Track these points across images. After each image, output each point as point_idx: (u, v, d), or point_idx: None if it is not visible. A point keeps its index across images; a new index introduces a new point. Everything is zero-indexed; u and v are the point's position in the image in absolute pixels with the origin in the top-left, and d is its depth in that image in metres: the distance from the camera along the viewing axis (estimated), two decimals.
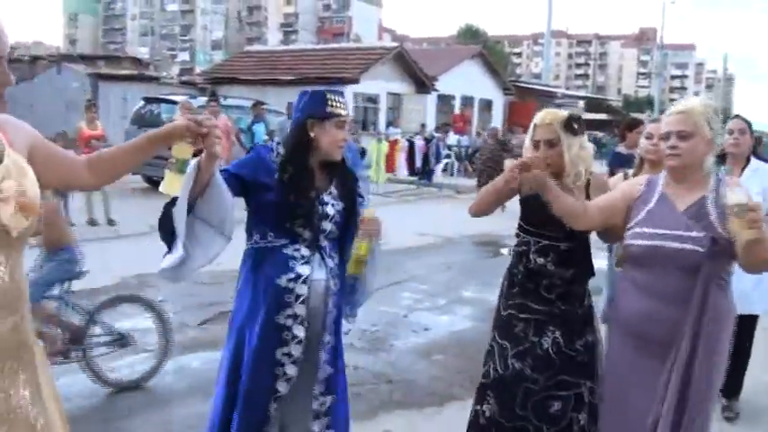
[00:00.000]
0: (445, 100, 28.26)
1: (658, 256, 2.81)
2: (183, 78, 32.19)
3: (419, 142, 21.31)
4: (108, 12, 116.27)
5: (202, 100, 15.36)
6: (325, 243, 3.00)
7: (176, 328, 5.52)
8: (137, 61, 40.10)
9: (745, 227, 2.57)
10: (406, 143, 21.05)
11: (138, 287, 7.03)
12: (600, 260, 3.64)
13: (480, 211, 3.47)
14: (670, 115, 2.94)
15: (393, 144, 20.07)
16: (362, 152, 21.14)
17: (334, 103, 2.94)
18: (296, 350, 2.92)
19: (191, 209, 2.57)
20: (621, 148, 6.81)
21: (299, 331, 2.91)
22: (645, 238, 2.85)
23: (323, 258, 2.98)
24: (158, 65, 48.11)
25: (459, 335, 6.48)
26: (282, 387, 2.92)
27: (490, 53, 38.59)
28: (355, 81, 23.98)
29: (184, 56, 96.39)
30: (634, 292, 2.91)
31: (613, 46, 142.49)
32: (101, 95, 24.91)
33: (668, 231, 2.81)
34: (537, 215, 3.33)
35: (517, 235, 3.51)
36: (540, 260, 3.35)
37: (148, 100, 17.51)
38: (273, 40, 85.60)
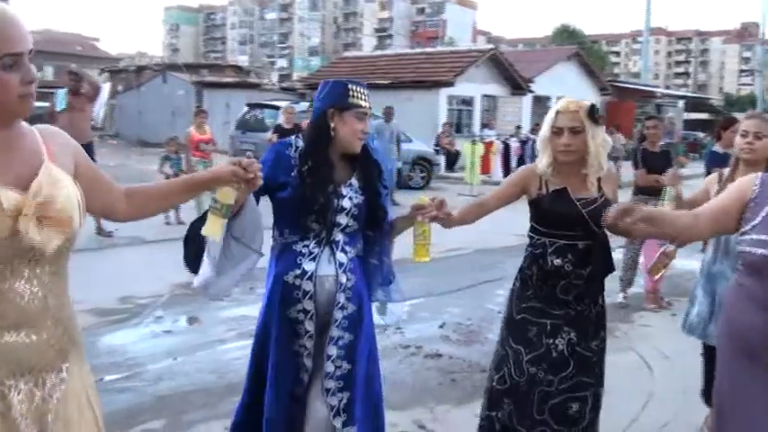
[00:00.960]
0: (541, 101, 28.11)
1: None
2: (284, 84, 33.10)
3: (514, 144, 21.32)
4: (208, 22, 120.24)
5: (304, 105, 15.90)
6: (339, 237, 2.93)
7: None
8: (238, 69, 41.47)
9: None
10: (501, 145, 21.08)
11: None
12: (692, 261, 3.62)
13: (465, 222, 3.33)
14: (750, 118, 2.98)
15: (488, 146, 20.13)
16: (456, 155, 21.36)
17: (356, 94, 2.90)
18: (309, 343, 2.91)
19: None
20: (718, 148, 6.81)
21: (310, 326, 2.90)
22: (762, 246, 2.50)
23: (333, 253, 2.91)
24: (259, 72, 49.52)
25: None
26: (304, 377, 2.92)
27: (587, 53, 38.04)
28: (450, 84, 24.23)
29: (283, 62, 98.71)
30: (750, 304, 2.57)
31: (714, 42, 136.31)
32: (205, 102, 25.91)
33: None
34: (550, 216, 3.25)
35: (530, 237, 3.38)
36: (558, 261, 3.22)
37: (252, 106, 18.21)
38: (368, 45, 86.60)
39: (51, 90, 11.47)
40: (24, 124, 1.90)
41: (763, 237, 2.49)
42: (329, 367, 2.91)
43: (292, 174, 2.86)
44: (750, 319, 2.54)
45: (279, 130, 12.93)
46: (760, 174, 2.68)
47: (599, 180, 3.26)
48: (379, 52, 41.56)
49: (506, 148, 21.13)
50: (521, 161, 20.62)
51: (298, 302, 2.88)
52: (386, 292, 3.15)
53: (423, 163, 18.18)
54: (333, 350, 2.91)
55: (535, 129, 24.90)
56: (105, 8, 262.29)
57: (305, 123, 12.97)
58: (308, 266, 2.87)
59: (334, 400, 2.92)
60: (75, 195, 1.85)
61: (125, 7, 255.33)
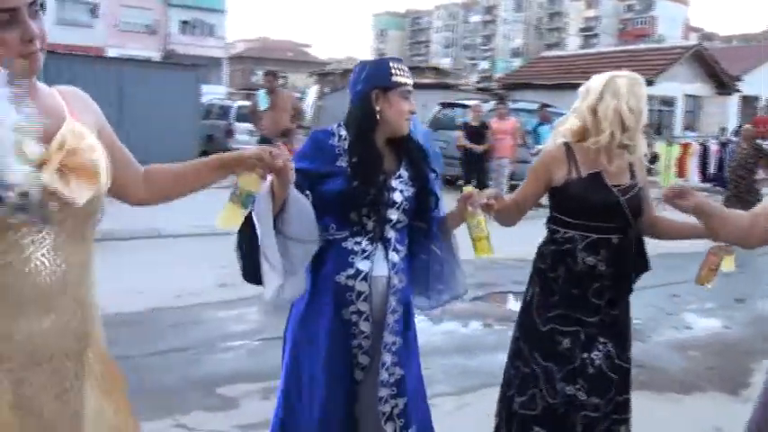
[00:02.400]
0: (749, 101, 26.47)
1: None
2: (480, 85, 33.47)
3: (713, 146, 20.31)
4: (414, 26, 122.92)
5: (492, 104, 16.17)
6: (390, 234, 2.71)
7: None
8: (437, 71, 42.30)
9: None
10: (699, 147, 20.16)
11: None
12: None
13: (504, 223, 3.04)
14: None
15: (685, 147, 19.34)
16: (654, 157, 20.63)
17: (398, 72, 2.68)
18: (366, 343, 2.71)
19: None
20: None
21: (366, 327, 2.70)
22: None
23: (386, 252, 2.70)
24: (458, 74, 50.21)
25: (719, 336, 6.45)
26: (359, 375, 2.73)
27: None
28: (650, 83, 23.44)
29: (485, 65, 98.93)
30: None
31: None
32: None
33: None
34: (582, 204, 2.88)
35: (554, 230, 2.97)
36: (590, 259, 2.85)
37: (444, 105, 18.72)
38: (573, 45, 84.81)
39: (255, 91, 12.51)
40: (43, 85, 1.77)
41: None
42: (383, 375, 2.70)
43: (337, 164, 2.65)
44: None
45: (467, 128, 13.38)
46: None
47: (630, 165, 2.96)
48: (579, 51, 40.81)
49: (704, 150, 20.19)
50: (720, 164, 19.64)
51: (351, 304, 2.68)
52: (434, 292, 2.94)
53: None
54: (387, 357, 2.71)
55: (738, 131, 23.57)
56: (318, 16, 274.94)
57: (492, 122, 13.39)
58: (362, 266, 2.66)
59: (387, 407, 2.71)
60: (101, 150, 1.71)
61: (336, 15, 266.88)
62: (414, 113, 2.72)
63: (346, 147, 2.68)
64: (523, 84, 26.60)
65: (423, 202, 2.78)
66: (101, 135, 1.82)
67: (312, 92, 35.04)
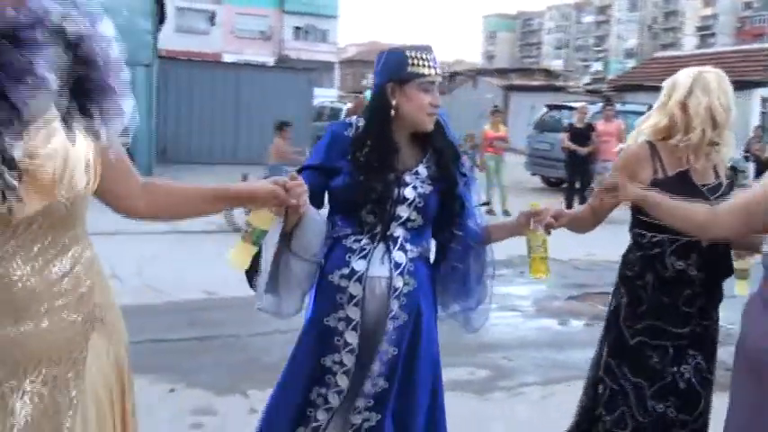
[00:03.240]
0: None
1: None
2: (589, 87, 33.01)
3: None
4: (525, 28, 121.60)
5: (600, 105, 16.01)
6: (398, 233, 2.50)
7: (545, 298, 6.92)
8: (547, 73, 41.90)
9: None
10: None
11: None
12: None
13: (578, 231, 2.92)
14: None
15: None
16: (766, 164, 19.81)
17: (417, 61, 2.46)
18: (348, 359, 2.47)
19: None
20: None
21: (352, 338, 2.46)
22: None
23: (388, 251, 2.48)
24: (569, 76, 49.56)
25: None
26: (334, 400, 2.48)
27: None
28: (764, 84, 22.55)
29: (597, 66, 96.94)
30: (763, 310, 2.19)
31: None
32: (511, 105, 26.85)
33: None
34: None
35: (640, 235, 2.79)
36: (680, 264, 2.68)
37: (551, 107, 18.62)
38: (689, 45, 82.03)
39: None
40: None
41: None
42: (366, 385, 2.48)
43: (348, 157, 2.50)
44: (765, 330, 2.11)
45: (572, 130, 13.32)
46: None
47: (714, 164, 2.82)
48: (693, 52, 39.57)
49: None
50: None
51: (339, 308, 2.46)
52: (464, 305, 2.71)
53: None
54: (376, 366, 2.48)
55: None
56: (428, 19, 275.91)
57: (598, 124, 13.28)
58: (358, 265, 2.46)
59: (358, 419, 2.49)
60: (81, 151, 1.56)
61: (446, 17, 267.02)
62: (436, 107, 2.51)
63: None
64: (635, 85, 26.05)
65: (447, 206, 2.57)
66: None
67: None
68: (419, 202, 2.51)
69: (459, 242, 2.64)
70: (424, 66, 2.46)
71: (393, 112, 2.49)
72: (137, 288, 6.16)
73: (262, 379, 4.26)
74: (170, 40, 30.95)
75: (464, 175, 2.63)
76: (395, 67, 2.49)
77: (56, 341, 1.59)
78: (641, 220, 2.77)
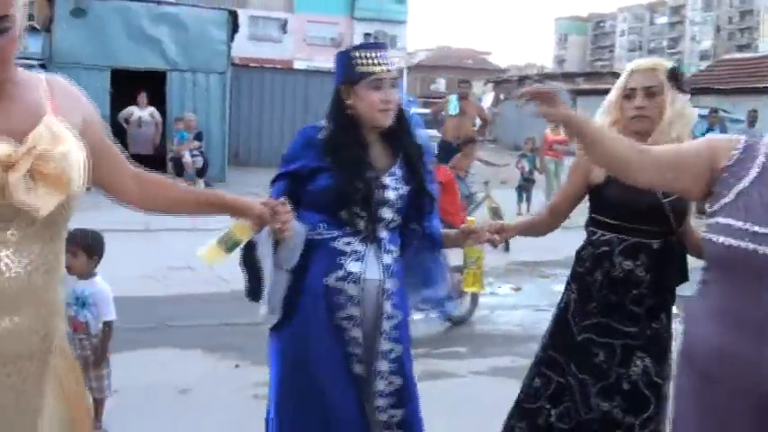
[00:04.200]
0: None
1: (751, 264, 1.81)
2: None
3: None
4: (597, 30, 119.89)
5: None
6: (383, 234, 2.58)
7: None
8: (617, 76, 41.47)
9: None
10: None
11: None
12: None
13: (536, 236, 3.04)
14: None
15: None
16: None
17: (363, 60, 2.49)
18: (357, 350, 2.58)
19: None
20: None
21: (357, 333, 2.56)
22: (730, 235, 1.85)
23: (378, 254, 2.56)
24: None
25: None
26: (352, 389, 2.58)
27: None
28: None
29: None
30: (712, 317, 1.93)
31: None
32: (578, 109, 26.69)
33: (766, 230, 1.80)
34: (620, 206, 2.65)
35: (591, 232, 2.78)
36: (628, 264, 2.64)
37: None
38: (765, 46, 79.67)
39: (439, 99, 13.17)
40: (31, 74, 1.73)
41: (730, 221, 1.87)
42: (380, 385, 2.58)
43: (324, 159, 2.54)
44: (714, 338, 1.91)
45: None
46: (743, 137, 2.02)
47: None
48: (761, 54, 38.59)
49: None
50: None
51: (341, 308, 2.54)
52: (432, 297, 2.84)
53: None
54: (383, 365, 2.58)
55: None
56: (499, 23, 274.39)
57: None
58: (353, 267, 2.52)
59: (384, 416, 2.60)
60: (77, 154, 1.63)
61: (517, 21, 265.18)
62: (388, 102, 2.52)
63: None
64: (703, 88, 25.73)
65: (418, 203, 2.67)
66: (86, 131, 1.75)
67: (487, 99, 35.53)
68: (399, 204, 2.61)
69: (424, 237, 2.76)
70: (370, 64, 2.49)
71: (351, 112, 2.56)
72: (208, 279, 6.63)
73: None
74: (244, 48, 31.85)
75: (429, 172, 2.72)
76: (344, 69, 2.56)
77: (33, 337, 1.64)
78: (594, 218, 2.79)
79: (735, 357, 1.85)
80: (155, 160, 12.56)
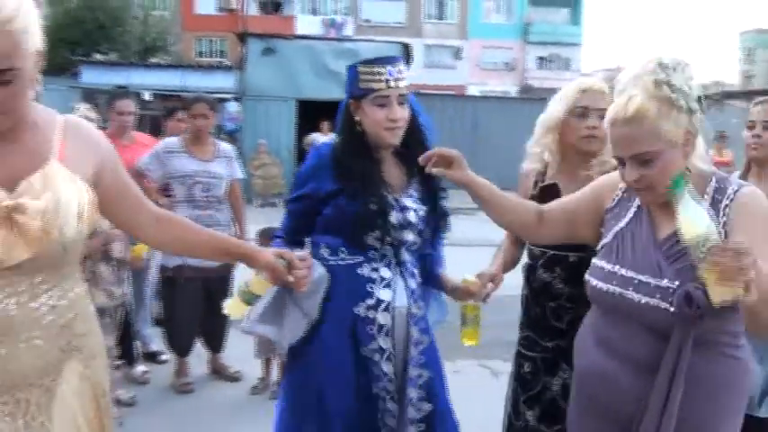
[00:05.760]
0: None
1: (619, 307, 1.89)
2: None
3: None
4: None
5: None
6: (406, 258, 2.48)
7: None
8: None
9: (716, 276, 1.55)
10: None
11: None
12: None
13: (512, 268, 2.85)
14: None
15: None
16: None
17: (368, 76, 2.38)
18: (390, 386, 2.45)
19: None
20: None
21: (388, 367, 2.43)
22: (601, 278, 1.93)
23: (405, 279, 2.46)
24: None
25: None
26: (391, 422, 2.47)
27: None
28: None
29: None
30: (592, 341, 2.01)
31: None
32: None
33: (633, 274, 1.87)
34: None
35: (528, 248, 2.76)
36: (546, 276, 2.65)
37: None
38: None
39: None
40: (51, 114, 1.73)
41: (603, 264, 1.95)
42: (411, 413, 2.46)
43: (337, 180, 2.44)
44: (590, 358, 1.99)
45: None
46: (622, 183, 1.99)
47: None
48: None
49: None
50: None
51: (372, 339, 2.42)
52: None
53: None
54: (413, 392, 2.46)
55: None
56: (680, 39, 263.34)
57: None
58: (384, 295, 2.41)
59: None
60: (73, 202, 1.62)
61: (699, 37, 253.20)
62: (394, 121, 2.41)
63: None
64: None
65: (435, 225, 2.59)
66: (103, 175, 1.77)
67: None
68: (421, 226, 2.50)
69: (430, 262, 2.67)
70: (375, 80, 2.39)
71: (360, 128, 2.45)
72: None
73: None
74: (419, 75, 33.21)
75: (443, 189, 2.60)
76: (350, 84, 2.46)
77: (28, 368, 1.63)
78: None
79: (611, 383, 1.90)
80: None
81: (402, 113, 2.43)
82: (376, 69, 2.39)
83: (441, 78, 39.75)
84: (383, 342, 2.43)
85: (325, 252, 2.48)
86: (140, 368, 4.97)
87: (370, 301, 2.42)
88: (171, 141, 4.85)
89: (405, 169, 2.53)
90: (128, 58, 27.55)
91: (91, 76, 23.61)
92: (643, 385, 1.81)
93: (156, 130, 8.03)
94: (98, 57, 26.18)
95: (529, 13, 46.30)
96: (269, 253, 2.08)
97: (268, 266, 2.05)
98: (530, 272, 2.74)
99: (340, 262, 2.45)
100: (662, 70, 1.77)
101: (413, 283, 2.49)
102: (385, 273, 2.44)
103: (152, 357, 5.29)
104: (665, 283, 1.78)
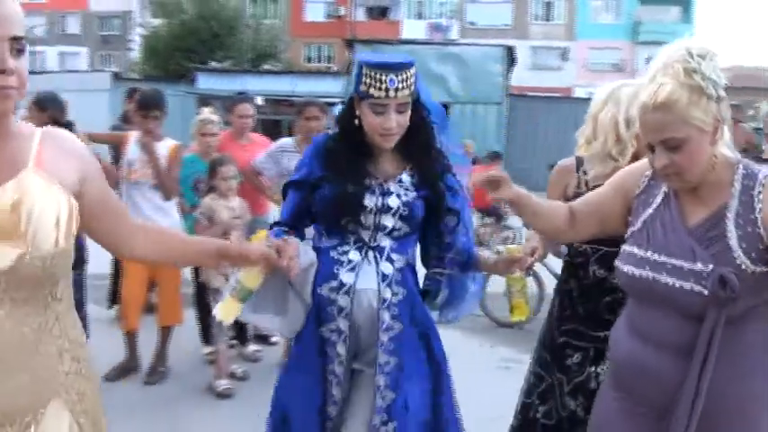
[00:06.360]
0: None
1: (652, 292, 1.91)
2: None
3: None
4: None
5: None
6: (385, 242, 2.44)
7: None
8: None
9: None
10: None
11: None
12: None
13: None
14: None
15: None
16: None
17: (369, 80, 2.33)
18: (339, 370, 2.44)
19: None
20: None
21: (342, 349, 2.43)
22: (633, 264, 1.96)
23: (376, 262, 2.43)
24: None
25: None
26: (333, 410, 2.45)
27: None
28: None
29: None
30: (627, 328, 2.04)
31: None
32: None
33: (666, 259, 1.89)
34: None
35: (569, 245, 2.78)
36: (602, 272, 2.65)
37: None
38: None
39: None
40: (28, 127, 1.67)
41: (634, 249, 1.98)
42: (378, 401, 2.43)
43: (326, 168, 2.46)
44: (626, 346, 2.01)
45: None
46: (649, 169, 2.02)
47: None
48: None
49: None
50: None
51: (332, 320, 2.43)
52: (453, 309, 2.69)
53: None
54: (381, 379, 2.43)
55: None
56: None
57: None
58: (346, 278, 2.41)
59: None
60: (52, 209, 1.57)
61: None
62: (389, 129, 2.37)
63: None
64: None
65: (434, 216, 2.51)
66: (85, 187, 1.71)
67: None
68: (404, 211, 2.45)
69: (448, 249, 2.58)
70: (375, 86, 2.33)
71: (358, 122, 2.43)
72: None
73: None
74: (525, 78, 33.11)
75: (450, 188, 2.54)
76: (356, 81, 2.41)
77: (9, 403, 1.55)
78: None
79: (644, 371, 1.91)
80: None
81: (398, 122, 2.39)
82: (378, 75, 2.32)
83: (547, 80, 39.48)
84: (341, 323, 2.43)
85: (315, 238, 2.55)
86: (252, 347, 5.42)
87: (334, 283, 2.43)
88: (285, 141, 5.09)
89: (400, 159, 2.51)
90: (240, 64, 28.67)
91: (206, 83, 24.82)
92: (679, 370, 1.82)
93: (268, 131, 8.47)
94: (213, 64, 27.39)
95: (638, 11, 45.23)
96: (257, 245, 2.12)
97: (262, 257, 2.06)
98: (577, 269, 2.75)
99: (320, 246, 2.49)
100: (692, 59, 1.80)
101: (388, 268, 2.45)
102: (353, 256, 2.44)
103: (263, 339, 5.66)
104: (698, 266, 1.80)
